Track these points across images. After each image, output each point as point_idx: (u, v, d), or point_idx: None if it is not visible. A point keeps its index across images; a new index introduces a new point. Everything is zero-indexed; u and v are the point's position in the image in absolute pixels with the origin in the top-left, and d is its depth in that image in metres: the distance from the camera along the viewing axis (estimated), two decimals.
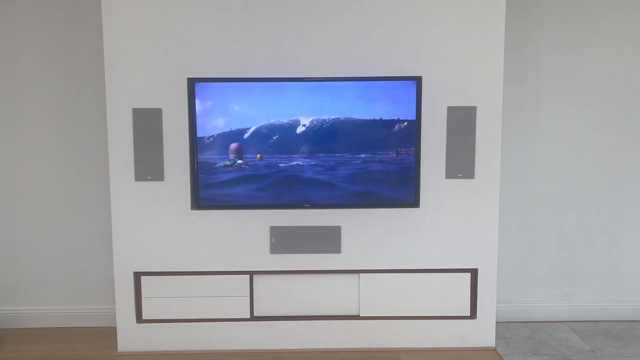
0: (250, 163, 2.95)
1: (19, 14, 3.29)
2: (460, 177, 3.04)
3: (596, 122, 3.45)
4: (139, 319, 3.14)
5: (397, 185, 3.00)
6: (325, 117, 2.93)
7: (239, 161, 2.94)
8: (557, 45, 3.39)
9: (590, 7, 3.36)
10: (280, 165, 2.96)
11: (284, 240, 3.07)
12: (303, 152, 2.95)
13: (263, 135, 2.93)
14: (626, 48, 3.40)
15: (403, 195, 3.01)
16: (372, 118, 2.94)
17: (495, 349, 3.16)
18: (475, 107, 2.99)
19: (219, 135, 2.94)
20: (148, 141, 2.98)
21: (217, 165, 2.95)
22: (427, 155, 3.01)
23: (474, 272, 3.14)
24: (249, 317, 3.15)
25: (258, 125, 2.93)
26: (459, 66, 2.98)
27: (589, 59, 3.40)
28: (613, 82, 3.42)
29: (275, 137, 2.94)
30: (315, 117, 2.93)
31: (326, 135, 2.94)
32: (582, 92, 3.43)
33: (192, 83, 2.92)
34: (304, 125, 2.93)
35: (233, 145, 2.93)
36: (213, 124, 2.93)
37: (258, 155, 2.92)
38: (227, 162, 2.95)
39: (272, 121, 2.93)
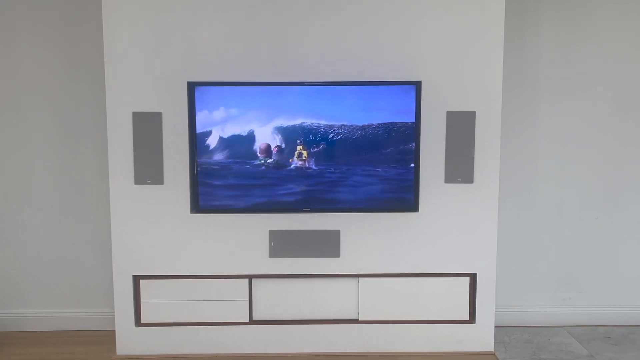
0: (281, 162, 2.96)
1: (19, 17, 3.30)
2: (459, 182, 3.05)
3: (595, 126, 3.45)
4: (138, 322, 3.15)
5: (396, 190, 3.00)
6: (324, 121, 2.94)
7: (269, 160, 2.94)
8: (555, 47, 3.39)
9: (589, 7, 3.37)
10: (287, 167, 2.98)
11: (283, 244, 3.08)
12: (301, 155, 2.96)
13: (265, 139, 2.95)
14: (626, 49, 3.40)
15: (402, 200, 3.01)
16: (372, 122, 2.94)
17: (494, 354, 3.16)
18: (474, 112, 3.00)
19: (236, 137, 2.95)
20: (148, 145, 2.99)
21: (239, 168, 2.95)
22: (426, 160, 3.01)
23: (472, 277, 3.15)
24: (247, 320, 3.15)
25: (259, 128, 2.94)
26: (459, 71, 2.99)
27: (588, 61, 3.41)
28: (612, 85, 3.43)
29: (274, 141, 2.95)
30: (313, 121, 2.94)
31: (325, 139, 2.95)
32: (581, 95, 3.43)
33: (192, 87, 2.92)
34: (301, 130, 2.94)
35: (263, 145, 2.93)
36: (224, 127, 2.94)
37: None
38: (257, 162, 2.95)
39: (270, 125, 2.93)
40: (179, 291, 3.11)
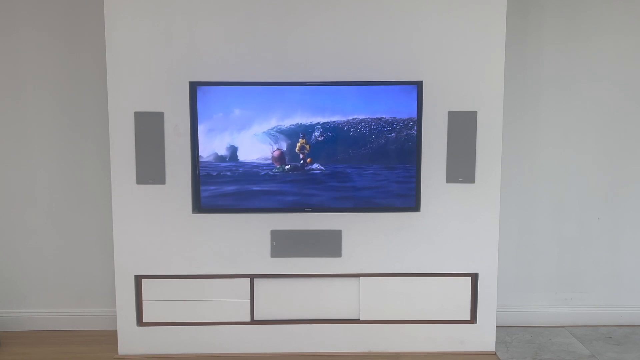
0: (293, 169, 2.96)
1: (21, 17, 3.30)
2: (460, 182, 3.05)
3: (597, 126, 3.46)
4: (140, 321, 3.15)
5: (397, 189, 3.00)
6: (325, 121, 2.94)
7: (287, 167, 2.95)
8: (557, 46, 3.39)
9: (590, 6, 3.37)
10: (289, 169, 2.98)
11: (284, 244, 3.08)
12: (304, 149, 2.96)
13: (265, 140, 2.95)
14: (628, 47, 3.40)
15: (404, 200, 3.01)
16: (373, 122, 2.94)
17: (496, 354, 3.16)
18: (475, 112, 3.00)
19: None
20: (149, 144, 2.99)
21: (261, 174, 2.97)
22: (427, 160, 3.02)
23: (474, 277, 3.15)
24: (249, 320, 3.15)
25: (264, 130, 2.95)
26: (460, 71, 2.99)
27: (590, 61, 3.41)
28: (614, 84, 3.43)
29: (279, 143, 2.95)
30: (314, 122, 2.94)
31: (326, 140, 2.95)
32: (582, 95, 3.43)
33: (193, 87, 2.93)
34: (303, 128, 2.94)
35: (276, 153, 2.94)
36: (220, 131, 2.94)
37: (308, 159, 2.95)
38: (275, 170, 2.96)
39: (274, 126, 2.94)
40: (180, 291, 3.11)
